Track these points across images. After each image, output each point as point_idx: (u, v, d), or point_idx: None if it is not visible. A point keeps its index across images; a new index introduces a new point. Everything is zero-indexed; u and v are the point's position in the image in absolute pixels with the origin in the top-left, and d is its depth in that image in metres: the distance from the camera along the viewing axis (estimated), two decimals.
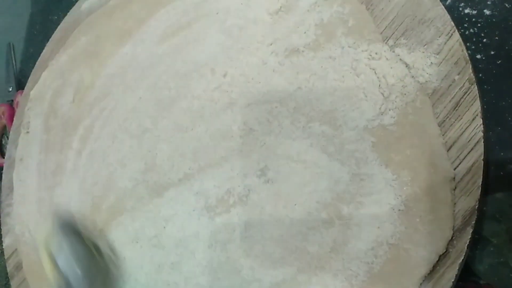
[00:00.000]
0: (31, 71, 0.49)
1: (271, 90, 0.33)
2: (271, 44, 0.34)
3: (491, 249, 0.30)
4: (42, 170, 0.41)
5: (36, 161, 0.42)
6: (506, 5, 0.33)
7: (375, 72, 0.29)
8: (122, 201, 0.36)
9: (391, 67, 0.29)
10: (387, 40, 0.30)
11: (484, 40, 0.33)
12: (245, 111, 0.33)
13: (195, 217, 0.33)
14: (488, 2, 0.34)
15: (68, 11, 0.48)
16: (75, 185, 0.39)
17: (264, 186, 0.31)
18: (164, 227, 0.34)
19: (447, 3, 0.35)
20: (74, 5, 0.47)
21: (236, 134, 0.33)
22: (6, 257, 0.43)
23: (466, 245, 0.26)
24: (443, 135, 0.28)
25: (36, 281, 0.39)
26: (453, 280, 0.26)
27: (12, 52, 0.58)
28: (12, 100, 0.54)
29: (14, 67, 0.57)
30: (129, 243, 0.35)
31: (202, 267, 0.32)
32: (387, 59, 0.29)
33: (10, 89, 0.55)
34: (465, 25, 0.34)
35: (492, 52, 0.33)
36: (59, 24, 0.48)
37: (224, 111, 0.34)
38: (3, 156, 0.51)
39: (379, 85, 0.29)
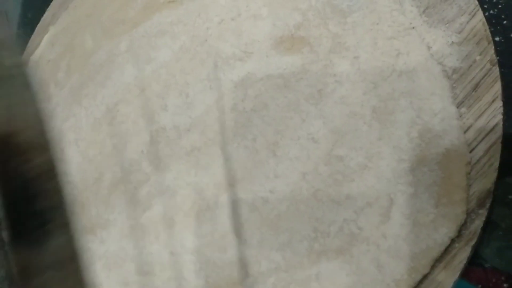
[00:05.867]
0: (29, 36, 0.48)
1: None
2: None
3: (500, 233, 0.30)
4: None
5: None
6: None
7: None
8: (126, 172, 0.36)
9: (412, 45, 0.28)
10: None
11: (504, 22, 0.33)
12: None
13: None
14: None
15: None
16: (77, 154, 0.38)
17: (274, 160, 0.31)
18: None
19: None
20: None
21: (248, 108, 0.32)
22: None
23: (480, 227, 0.26)
24: (460, 116, 0.27)
25: None
26: (465, 262, 0.26)
27: (6, 18, 0.56)
28: None
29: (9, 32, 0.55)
30: (132, 213, 0.35)
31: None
32: (409, 36, 0.29)
33: None
34: (485, 6, 0.33)
35: None
36: None
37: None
38: None
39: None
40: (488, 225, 0.31)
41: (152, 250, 0.33)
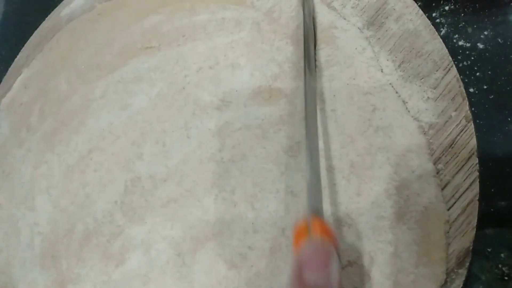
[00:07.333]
0: (2, 75, 0.46)
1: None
2: None
3: (480, 286, 0.30)
4: (12, 185, 0.39)
5: (6, 176, 0.39)
6: (499, 40, 0.34)
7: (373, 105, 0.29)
8: (99, 224, 0.34)
9: (388, 100, 0.29)
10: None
11: (477, 73, 0.33)
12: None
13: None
14: (482, 36, 0.34)
15: (46, 13, 0.45)
16: (48, 203, 0.36)
17: None
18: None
19: (441, 34, 0.34)
20: (51, 7, 0.45)
21: (226, 158, 0.32)
22: None
23: (460, 287, 0.25)
24: (438, 172, 0.27)
25: None
26: None
27: None
28: None
29: None
30: (104, 268, 0.33)
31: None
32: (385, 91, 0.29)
33: None
34: (459, 57, 0.34)
35: (485, 87, 0.33)
36: (35, 27, 0.45)
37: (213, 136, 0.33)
38: None
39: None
40: (469, 278, 0.30)
41: None
